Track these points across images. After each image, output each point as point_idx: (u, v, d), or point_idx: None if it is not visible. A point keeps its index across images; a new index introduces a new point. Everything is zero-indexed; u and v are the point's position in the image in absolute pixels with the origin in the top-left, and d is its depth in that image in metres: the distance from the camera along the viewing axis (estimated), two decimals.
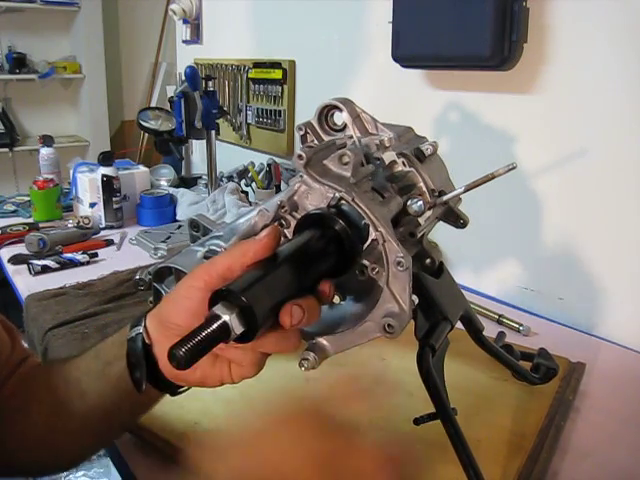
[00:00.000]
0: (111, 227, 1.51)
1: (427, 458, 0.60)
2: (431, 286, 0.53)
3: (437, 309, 0.53)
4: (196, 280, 0.44)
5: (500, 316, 0.99)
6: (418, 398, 0.71)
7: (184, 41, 2.19)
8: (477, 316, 0.63)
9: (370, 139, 0.51)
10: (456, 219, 0.57)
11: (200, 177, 1.92)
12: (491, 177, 0.48)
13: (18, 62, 3.21)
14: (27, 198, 1.63)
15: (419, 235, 0.51)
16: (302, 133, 0.54)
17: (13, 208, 1.67)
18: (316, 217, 0.44)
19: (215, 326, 0.35)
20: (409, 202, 0.49)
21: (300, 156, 0.44)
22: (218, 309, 0.36)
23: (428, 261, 0.54)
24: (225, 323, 0.35)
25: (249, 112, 1.84)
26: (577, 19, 0.94)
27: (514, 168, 0.48)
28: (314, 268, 0.43)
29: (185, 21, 2.11)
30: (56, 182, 1.57)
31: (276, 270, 0.40)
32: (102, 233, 1.47)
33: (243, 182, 1.68)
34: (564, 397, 0.74)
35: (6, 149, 3.22)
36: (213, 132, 1.58)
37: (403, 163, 0.51)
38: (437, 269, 0.56)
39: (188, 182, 1.91)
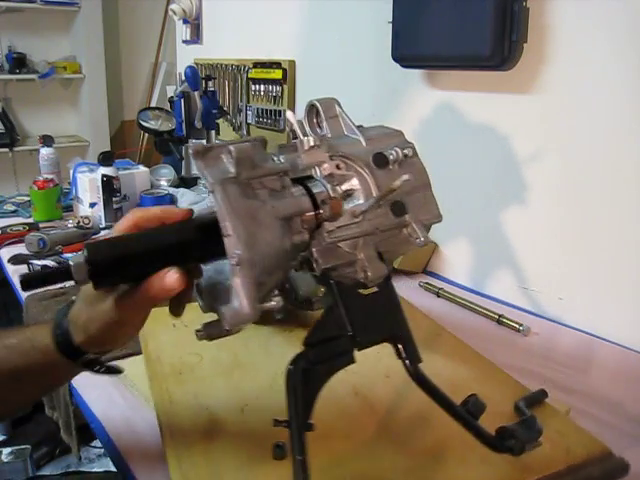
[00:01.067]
0: (111, 227, 1.49)
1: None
2: (349, 298, 0.51)
3: (343, 323, 0.50)
4: None
5: (500, 316, 0.99)
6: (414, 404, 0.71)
7: (184, 41, 2.19)
8: (415, 345, 0.53)
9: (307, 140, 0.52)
10: (414, 234, 0.52)
11: (200, 177, 1.92)
12: (391, 191, 0.48)
13: (18, 62, 3.20)
14: (27, 198, 1.63)
15: (329, 241, 0.49)
16: (288, 130, 0.56)
17: (13, 208, 1.67)
18: None
19: (61, 267, 0.46)
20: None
21: (191, 147, 0.48)
22: (73, 257, 0.45)
23: (364, 273, 0.51)
24: (68, 266, 0.45)
25: (249, 112, 1.84)
26: (577, 19, 0.94)
27: (408, 180, 0.47)
28: (187, 246, 0.48)
29: (185, 21, 2.12)
30: (56, 182, 1.57)
31: (138, 237, 0.48)
32: (102, 233, 1.47)
33: None
34: None
35: (6, 149, 3.21)
36: (213, 132, 1.58)
37: (337, 166, 0.51)
38: (382, 284, 0.52)
39: (188, 182, 1.91)
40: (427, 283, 1.14)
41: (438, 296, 1.10)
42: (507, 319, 0.99)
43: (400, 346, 0.52)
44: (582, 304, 1.00)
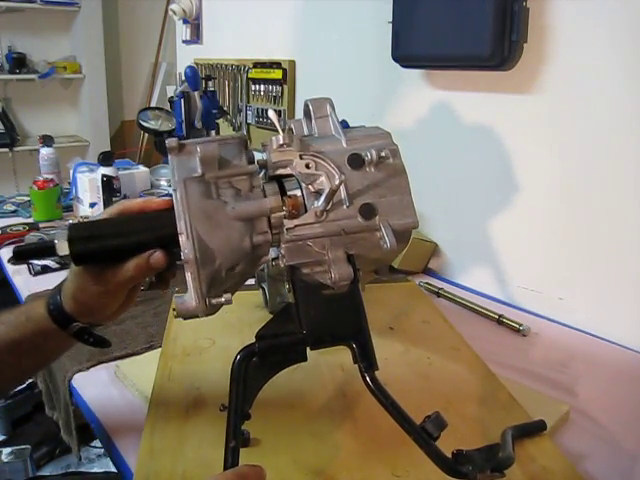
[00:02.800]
0: None
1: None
2: (309, 298, 0.51)
3: (297, 321, 0.50)
4: None
5: (500, 316, 0.99)
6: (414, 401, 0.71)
7: (184, 41, 2.19)
8: (373, 352, 0.50)
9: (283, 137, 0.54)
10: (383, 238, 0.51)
11: None
12: (332, 192, 0.49)
13: (18, 62, 3.20)
14: (27, 198, 1.63)
15: (288, 238, 0.50)
16: (287, 128, 0.58)
17: (13, 208, 1.67)
18: None
19: (47, 242, 0.52)
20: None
21: (166, 142, 0.52)
22: (59, 234, 0.48)
23: (330, 275, 0.50)
24: (53, 244, 0.51)
25: (249, 112, 1.84)
26: (577, 19, 0.94)
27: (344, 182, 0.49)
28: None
29: (185, 21, 2.11)
30: (56, 182, 1.57)
31: (114, 220, 0.53)
32: None
33: None
34: None
35: (6, 149, 3.21)
36: (213, 132, 1.58)
37: (306, 165, 0.52)
38: (347, 287, 0.51)
39: None
40: (427, 283, 1.14)
41: (438, 296, 1.10)
42: (507, 319, 0.99)
43: (357, 351, 0.50)
44: (582, 304, 1.00)
